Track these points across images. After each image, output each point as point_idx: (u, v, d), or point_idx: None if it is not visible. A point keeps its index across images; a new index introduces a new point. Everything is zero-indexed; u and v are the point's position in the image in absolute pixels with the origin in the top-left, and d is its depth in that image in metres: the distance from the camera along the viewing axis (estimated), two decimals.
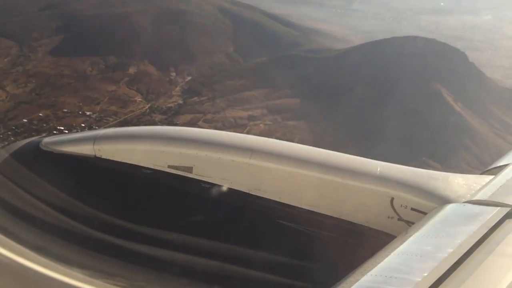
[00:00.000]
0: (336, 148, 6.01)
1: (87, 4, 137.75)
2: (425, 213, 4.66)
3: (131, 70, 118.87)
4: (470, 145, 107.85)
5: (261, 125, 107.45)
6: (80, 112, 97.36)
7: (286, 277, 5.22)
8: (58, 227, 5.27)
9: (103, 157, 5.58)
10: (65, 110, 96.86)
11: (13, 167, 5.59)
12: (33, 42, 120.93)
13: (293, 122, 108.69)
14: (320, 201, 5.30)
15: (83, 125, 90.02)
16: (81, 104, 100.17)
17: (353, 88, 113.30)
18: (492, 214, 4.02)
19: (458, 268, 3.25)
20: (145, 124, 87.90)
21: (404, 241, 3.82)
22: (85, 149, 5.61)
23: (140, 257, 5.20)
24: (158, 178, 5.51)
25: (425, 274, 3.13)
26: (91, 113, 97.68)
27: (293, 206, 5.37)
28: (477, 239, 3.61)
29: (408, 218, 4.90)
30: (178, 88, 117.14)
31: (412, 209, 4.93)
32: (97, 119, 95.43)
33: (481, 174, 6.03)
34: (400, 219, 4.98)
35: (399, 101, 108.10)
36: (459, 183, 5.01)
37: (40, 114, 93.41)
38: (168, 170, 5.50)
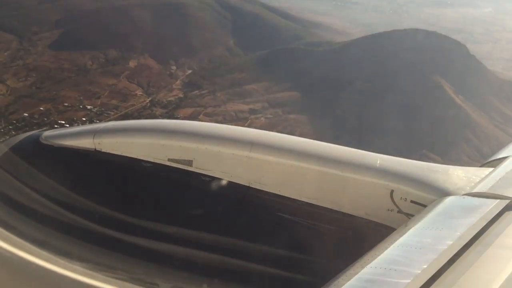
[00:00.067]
0: (336, 141, 6.01)
1: None
2: (424, 206, 4.66)
3: (132, 64, 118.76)
4: (470, 138, 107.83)
5: (262, 118, 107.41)
6: (81, 106, 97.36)
7: (286, 270, 5.23)
8: (58, 221, 5.28)
9: (103, 150, 5.57)
10: (66, 104, 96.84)
11: (13, 161, 5.59)
12: (33, 36, 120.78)
13: (294, 115, 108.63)
14: (320, 194, 5.30)
15: (84, 119, 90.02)
16: (81, 98, 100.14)
17: (353, 81, 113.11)
18: (492, 206, 4.02)
19: (458, 260, 3.26)
20: (146, 118, 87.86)
21: (403, 234, 3.83)
22: (85, 143, 5.60)
23: (140, 250, 5.21)
24: (158, 171, 5.51)
25: (425, 266, 3.13)
26: (91, 107, 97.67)
27: (293, 199, 5.37)
28: (476, 231, 3.61)
29: (408, 211, 4.90)
30: (178, 82, 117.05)
31: (412, 201, 4.93)
32: (98, 113, 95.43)
33: (480, 166, 6.02)
34: (399, 211, 4.98)
35: (400, 94, 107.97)
36: (458, 176, 5.01)
37: (41, 108, 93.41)
38: (168, 163, 5.50)
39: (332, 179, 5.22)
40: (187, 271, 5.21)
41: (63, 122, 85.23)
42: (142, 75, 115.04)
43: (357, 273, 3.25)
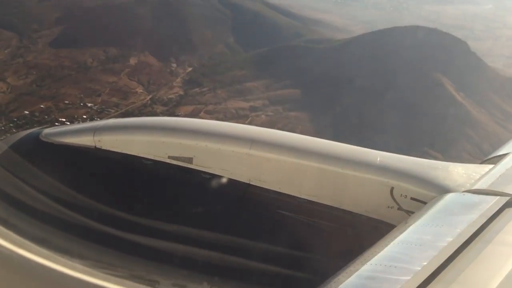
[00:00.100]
0: (337, 139, 6.00)
1: None
2: (424, 203, 4.65)
3: (132, 61, 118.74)
4: (471, 135, 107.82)
5: (263, 116, 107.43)
6: (82, 104, 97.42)
7: (287, 267, 5.23)
8: (58, 219, 5.28)
9: (103, 148, 5.56)
10: (67, 101, 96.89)
11: (13, 159, 5.59)
12: (33, 34, 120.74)
13: (294, 113, 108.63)
14: (320, 191, 5.30)
15: (84, 116, 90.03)
16: (82, 95, 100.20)
17: (354, 78, 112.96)
18: (492, 203, 4.02)
19: (458, 257, 3.25)
20: (147, 116, 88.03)
21: (403, 231, 3.83)
22: (85, 140, 5.60)
23: (140, 248, 5.21)
24: (158, 169, 5.51)
25: (425, 263, 3.13)
26: (92, 104, 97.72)
27: (293, 196, 5.37)
28: (476, 228, 3.61)
29: (408, 208, 4.90)
30: (179, 79, 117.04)
31: (412, 198, 4.93)
32: (98, 110, 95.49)
33: (480, 163, 6.03)
34: (400, 208, 4.98)
35: (400, 91, 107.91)
36: (458, 173, 5.00)
37: (42, 106, 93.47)
38: (168, 161, 5.49)
39: (332, 176, 5.22)
40: (187, 268, 5.21)
41: (64, 119, 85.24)
42: (143, 73, 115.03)
43: (357, 270, 3.26)
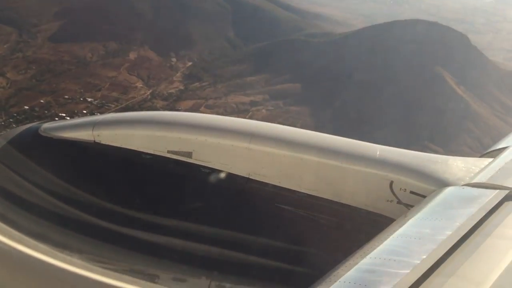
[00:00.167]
0: (338, 133, 5.99)
1: None
2: (424, 196, 4.65)
3: (132, 56, 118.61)
4: (472, 128, 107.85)
5: (263, 110, 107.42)
6: (82, 99, 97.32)
7: (286, 261, 5.24)
8: (57, 214, 5.28)
9: (102, 142, 5.56)
10: (66, 96, 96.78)
11: (12, 154, 5.58)
12: (32, 28, 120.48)
13: (295, 107, 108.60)
14: (319, 185, 5.30)
15: (84, 111, 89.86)
16: (82, 90, 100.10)
17: (354, 72, 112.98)
18: (491, 196, 4.02)
19: (457, 251, 3.25)
20: (147, 111, 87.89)
21: (403, 224, 3.83)
22: (84, 135, 5.59)
23: (140, 242, 5.22)
24: (157, 163, 5.50)
25: (424, 257, 3.14)
26: (92, 99, 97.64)
27: (293, 190, 5.37)
28: (475, 222, 3.61)
29: (407, 201, 4.90)
30: (179, 74, 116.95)
31: (411, 192, 4.93)
32: (98, 105, 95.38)
33: (480, 157, 6.02)
34: (399, 202, 4.98)
35: (401, 85, 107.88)
36: (458, 166, 5.00)
37: (42, 101, 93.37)
38: (167, 155, 5.49)
39: (332, 170, 5.21)
40: (187, 262, 5.21)
41: (64, 114, 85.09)
42: (142, 67, 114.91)
43: (356, 263, 3.26)
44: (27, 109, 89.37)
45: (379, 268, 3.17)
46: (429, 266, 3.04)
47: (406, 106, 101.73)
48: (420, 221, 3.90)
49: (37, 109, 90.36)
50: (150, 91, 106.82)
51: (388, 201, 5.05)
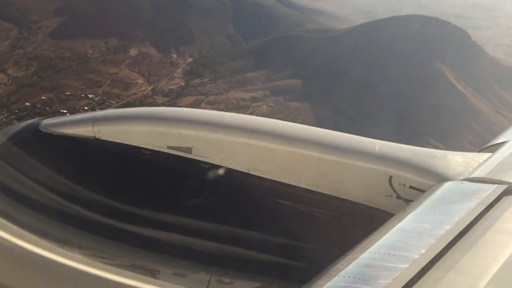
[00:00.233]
0: (338, 129, 5.97)
1: None
2: (423, 191, 4.65)
3: (132, 52, 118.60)
4: (472, 124, 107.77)
5: (264, 106, 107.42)
6: (83, 95, 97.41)
7: (286, 256, 5.25)
8: (58, 210, 5.28)
9: (102, 138, 5.55)
10: (68, 93, 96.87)
11: (12, 150, 5.58)
12: (32, 25, 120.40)
13: (295, 103, 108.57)
14: (319, 180, 5.30)
15: (86, 108, 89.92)
16: (83, 87, 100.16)
17: (354, 68, 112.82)
18: (490, 191, 4.02)
19: (456, 245, 3.26)
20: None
21: (402, 219, 3.83)
22: (85, 131, 5.58)
23: (140, 238, 5.22)
24: (157, 159, 5.50)
25: (423, 251, 3.14)
26: (93, 96, 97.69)
27: (292, 186, 5.37)
28: (474, 216, 3.61)
29: (407, 196, 4.90)
30: (179, 70, 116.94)
31: (411, 187, 4.93)
32: (100, 102, 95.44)
33: (479, 151, 6.01)
34: (398, 197, 4.98)
35: (401, 80, 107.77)
36: (457, 161, 5.00)
37: (43, 98, 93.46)
38: (167, 150, 5.48)
39: (331, 165, 5.21)
40: (187, 257, 5.22)
41: (65, 111, 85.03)
42: (143, 64, 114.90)
43: (356, 258, 3.27)
44: (29, 105, 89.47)
45: (378, 262, 3.18)
46: (428, 261, 3.05)
47: (406, 102, 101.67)
48: (419, 215, 3.90)
49: (38, 105, 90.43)
50: (151, 87, 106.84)
51: (387, 196, 5.05)
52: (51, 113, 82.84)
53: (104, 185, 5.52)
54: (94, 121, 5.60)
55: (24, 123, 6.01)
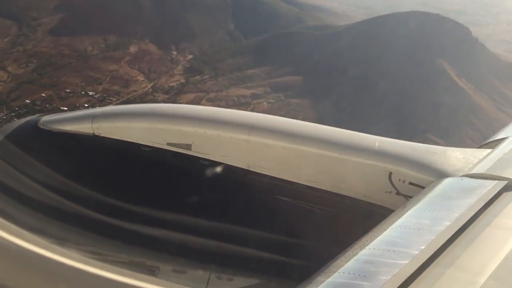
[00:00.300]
0: (339, 125, 5.95)
1: None
2: (423, 187, 4.64)
3: (132, 49, 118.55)
4: (473, 120, 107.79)
5: (265, 103, 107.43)
6: (83, 92, 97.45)
7: (286, 253, 5.24)
8: (57, 207, 5.27)
9: (101, 135, 5.54)
10: (68, 90, 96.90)
11: (11, 147, 5.57)
12: (32, 22, 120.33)
13: (296, 100, 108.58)
14: (318, 176, 5.29)
15: (86, 105, 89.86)
16: (83, 84, 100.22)
17: (355, 65, 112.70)
18: (490, 187, 4.01)
19: (456, 241, 3.25)
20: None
21: (402, 215, 3.82)
22: (84, 128, 5.57)
23: (140, 235, 5.22)
24: (157, 155, 5.49)
25: (423, 247, 3.13)
26: (93, 93, 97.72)
27: (292, 182, 5.36)
28: (474, 212, 3.60)
29: (406, 192, 4.89)
30: (179, 67, 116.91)
31: (410, 183, 4.92)
32: (100, 99, 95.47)
33: (478, 147, 6.00)
34: (398, 193, 4.97)
35: (402, 77, 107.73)
36: (457, 157, 4.98)
37: (43, 95, 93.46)
38: (167, 147, 5.48)
39: (331, 161, 5.20)
40: (186, 254, 5.22)
41: (66, 108, 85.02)
42: (143, 61, 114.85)
43: (355, 254, 3.26)
44: (29, 103, 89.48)
45: (378, 259, 3.17)
46: (427, 257, 3.04)
47: (407, 98, 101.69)
48: (419, 212, 3.89)
49: (38, 103, 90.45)
50: (151, 84, 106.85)
51: (387, 192, 5.04)
52: (51, 111, 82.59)
53: (103, 182, 5.51)
54: (93, 117, 5.59)
55: (22, 120, 6.00)
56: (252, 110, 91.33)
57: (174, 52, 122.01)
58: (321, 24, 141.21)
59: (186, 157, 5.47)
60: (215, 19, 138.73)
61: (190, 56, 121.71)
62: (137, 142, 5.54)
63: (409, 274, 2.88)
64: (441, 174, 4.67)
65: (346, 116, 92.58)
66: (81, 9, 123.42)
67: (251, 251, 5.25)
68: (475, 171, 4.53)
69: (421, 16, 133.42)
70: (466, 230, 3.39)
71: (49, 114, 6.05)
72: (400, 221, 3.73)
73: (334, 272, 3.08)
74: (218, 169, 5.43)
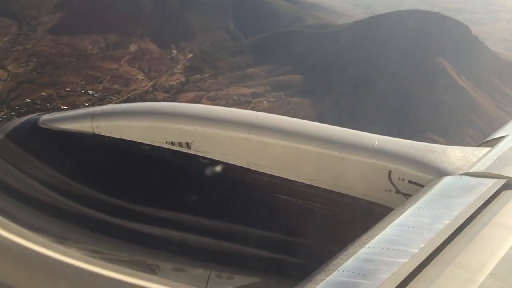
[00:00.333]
0: (339, 124, 5.96)
1: None
2: (422, 186, 4.65)
3: (132, 48, 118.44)
4: (473, 119, 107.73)
5: (265, 102, 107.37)
6: (83, 91, 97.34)
7: (285, 251, 5.25)
8: (56, 206, 5.28)
9: (101, 134, 5.55)
10: (68, 89, 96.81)
11: (11, 145, 5.58)
12: (32, 21, 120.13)
13: (296, 98, 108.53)
14: (318, 175, 5.30)
15: (86, 104, 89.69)
16: (83, 83, 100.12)
17: (355, 63, 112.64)
18: (489, 185, 4.01)
19: (455, 239, 3.26)
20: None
21: (401, 214, 3.83)
22: (84, 126, 5.57)
23: (140, 233, 5.22)
24: (156, 154, 5.50)
25: (422, 246, 3.14)
26: (94, 92, 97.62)
27: (292, 181, 5.37)
28: (473, 211, 3.60)
29: (406, 191, 4.90)
30: (180, 66, 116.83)
31: (410, 181, 4.92)
32: (100, 98, 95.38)
33: (478, 146, 6.01)
34: (397, 191, 4.98)
35: (402, 75, 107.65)
36: (456, 156, 4.99)
37: (43, 94, 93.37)
38: (166, 146, 5.48)
39: (330, 160, 5.21)
40: (186, 253, 5.22)
41: (66, 107, 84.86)
42: (143, 59, 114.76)
43: (355, 252, 3.27)
44: (29, 102, 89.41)
45: (377, 257, 3.18)
46: (427, 255, 3.04)
47: (407, 97, 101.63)
48: (419, 210, 3.90)
49: (38, 102, 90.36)
50: (151, 83, 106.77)
51: (386, 190, 5.05)
52: (51, 110, 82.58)
53: (103, 181, 5.52)
54: (93, 116, 5.59)
55: (22, 119, 6.00)
56: (252, 109, 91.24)
57: (174, 51, 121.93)
58: (321, 23, 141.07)
59: (185, 155, 5.48)
60: (215, 18, 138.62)
61: (190, 55, 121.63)
62: (137, 140, 5.54)
63: (408, 273, 2.89)
64: (440, 173, 4.68)
65: (346, 115, 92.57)
66: (81, 8, 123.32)
67: (251, 250, 5.26)
68: (474, 169, 4.53)
69: (421, 14, 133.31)
70: (466, 229, 3.39)
71: (49, 113, 6.05)
72: (399, 219, 3.73)
73: (334, 271, 3.09)
74: (218, 167, 5.44)
